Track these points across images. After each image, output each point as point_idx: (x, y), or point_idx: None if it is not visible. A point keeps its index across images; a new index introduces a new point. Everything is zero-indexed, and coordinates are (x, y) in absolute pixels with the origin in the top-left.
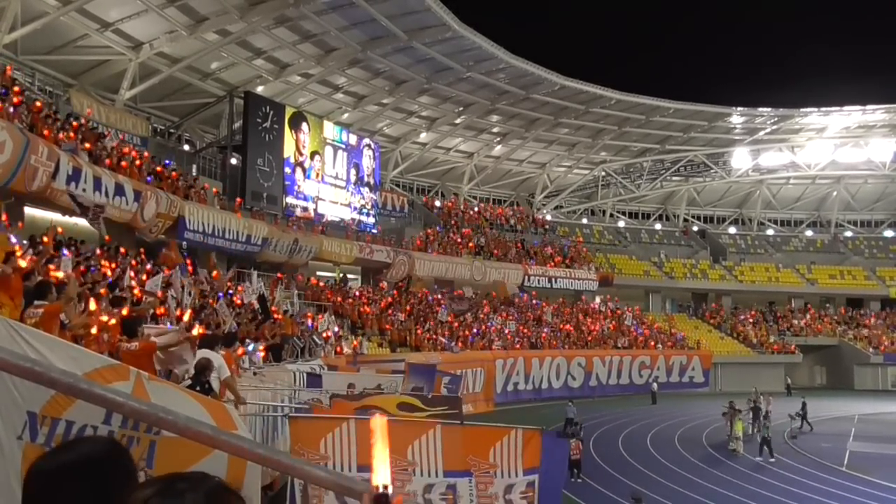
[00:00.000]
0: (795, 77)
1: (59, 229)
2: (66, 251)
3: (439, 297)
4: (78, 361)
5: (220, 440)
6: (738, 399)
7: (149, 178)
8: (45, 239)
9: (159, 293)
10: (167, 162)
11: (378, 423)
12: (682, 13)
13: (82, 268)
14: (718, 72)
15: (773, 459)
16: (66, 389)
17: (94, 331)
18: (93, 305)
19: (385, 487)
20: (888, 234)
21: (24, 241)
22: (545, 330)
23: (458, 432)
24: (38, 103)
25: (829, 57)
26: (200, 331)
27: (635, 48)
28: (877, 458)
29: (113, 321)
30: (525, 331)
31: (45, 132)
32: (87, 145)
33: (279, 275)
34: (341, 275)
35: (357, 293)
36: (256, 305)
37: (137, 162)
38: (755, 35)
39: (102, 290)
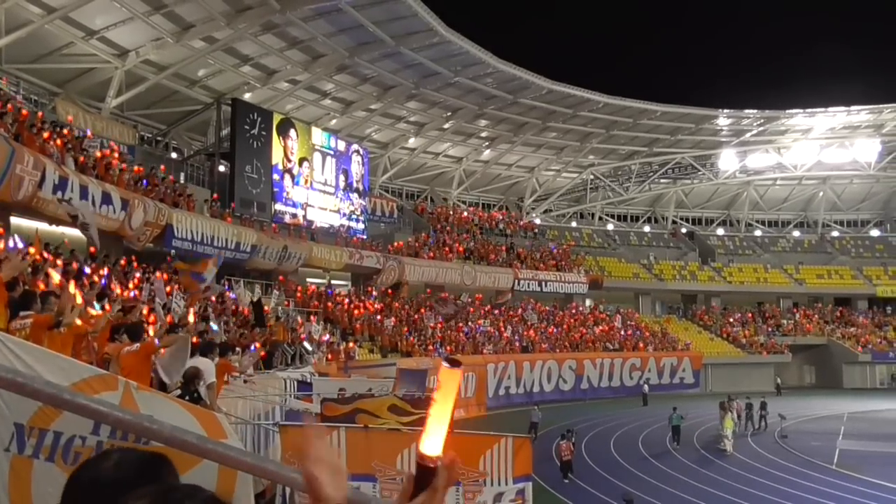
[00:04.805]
0: (780, 79)
1: (66, 240)
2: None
3: (427, 300)
4: (66, 372)
5: (207, 449)
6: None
7: (145, 182)
8: (33, 248)
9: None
10: (162, 172)
11: (451, 376)
12: (669, 16)
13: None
14: (704, 74)
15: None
16: (48, 400)
17: (79, 321)
18: (79, 299)
19: (431, 459)
20: (874, 233)
21: (21, 245)
22: (536, 329)
23: (449, 441)
24: (24, 112)
25: (814, 59)
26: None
27: (621, 51)
28: (866, 456)
29: (94, 312)
30: (527, 333)
31: (31, 141)
32: (80, 151)
33: (281, 278)
34: (328, 281)
35: (345, 299)
36: (248, 312)
37: (135, 168)
38: (741, 37)
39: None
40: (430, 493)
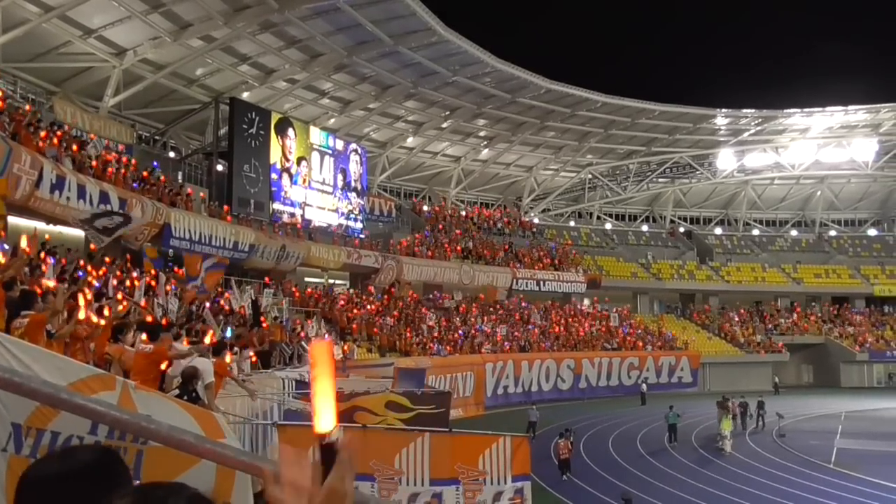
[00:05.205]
0: (779, 78)
1: (47, 236)
2: (52, 259)
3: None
4: (63, 372)
5: (204, 448)
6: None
7: (135, 185)
8: (27, 247)
9: (143, 302)
10: (155, 164)
11: (320, 348)
12: (667, 15)
13: (63, 277)
14: (703, 73)
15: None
16: (45, 400)
17: (81, 330)
18: (82, 314)
19: (328, 435)
20: (872, 232)
21: (6, 246)
22: (534, 328)
23: (447, 440)
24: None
25: (813, 58)
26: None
27: (619, 51)
28: (864, 455)
29: (101, 322)
30: (517, 334)
31: (29, 140)
32: (76, 147)
33: (266, 279)
34: (331, 282)
35: (343, 300)
36: (247, 311)
37: (123, 171)
38: (739, 37)
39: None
40: (339, 468)
